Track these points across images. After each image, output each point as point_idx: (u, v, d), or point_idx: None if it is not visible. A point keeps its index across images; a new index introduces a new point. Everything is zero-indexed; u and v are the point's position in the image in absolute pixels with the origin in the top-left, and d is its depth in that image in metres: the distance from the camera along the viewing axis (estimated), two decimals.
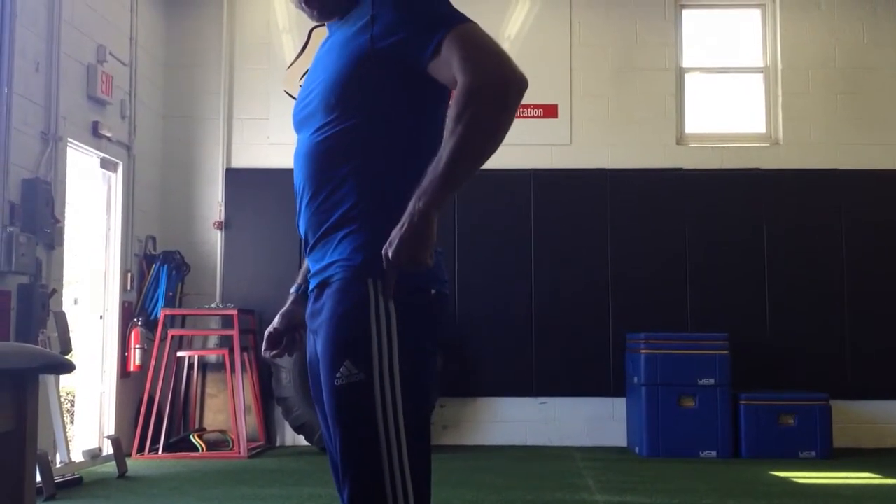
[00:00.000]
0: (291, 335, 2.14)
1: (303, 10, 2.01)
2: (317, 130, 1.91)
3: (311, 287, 1.94)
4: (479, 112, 1.71)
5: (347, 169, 1.87)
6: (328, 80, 1.90)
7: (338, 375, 1.77)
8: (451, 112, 1.73)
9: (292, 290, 2.18)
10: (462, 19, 1.80)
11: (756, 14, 8.32)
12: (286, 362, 7.18)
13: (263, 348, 2.15)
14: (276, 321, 2.15)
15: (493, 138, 1.74)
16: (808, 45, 8.09)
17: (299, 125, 2.02)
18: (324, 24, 2.08)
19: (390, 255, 1.72)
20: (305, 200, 1.94)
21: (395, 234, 1.72)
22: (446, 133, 1.73)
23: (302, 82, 7.89)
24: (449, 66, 1.76)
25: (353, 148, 1.87)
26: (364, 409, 1.75)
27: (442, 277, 1.90)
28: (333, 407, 1.80)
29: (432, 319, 1.87)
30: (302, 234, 1.97)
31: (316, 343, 1.90)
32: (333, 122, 1.88)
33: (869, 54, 8.05)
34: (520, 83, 1.76)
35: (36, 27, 6.00)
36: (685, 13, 8.29)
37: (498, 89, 1.73)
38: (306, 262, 2.19)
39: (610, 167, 7.95)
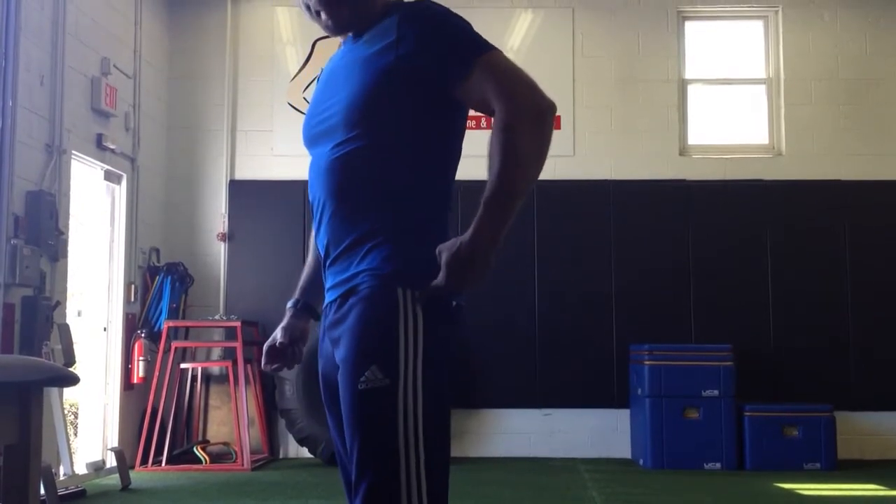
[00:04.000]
0: (292, 349, 2.16)
1: (317, 21, 2.01)
2: (338, 145, 1.92)
3: (329, 298, 1.95)
4: (524, 141, 1.79)
5: (372, 184, 1.89)
6: (351, 97, 1.91)
7: (362, 379, 1.78)
8: (497, 143, 1.79)
9: (289, 304, 2.20)
10: (490, 47, 1.88)
11: (759, 25, 8.33)
12: (290, 374, 7.18)
13: (263, 362, 2.17)
14: (277, 335, 2.17)
15: (540, 163, 1.82)
16: (811, 57, 8.10)
17: (314, 140, 2.02)
18: (334, 37, 2.09)
19: (448, 279, 1.76)
20: (328, 215, 1.94)
21: (452, 257, 1.75)
22: (495, 163, 1.78)
23: (306, 95, 7.89)
24: (481, 93, 1.83)
25: (378, 164, 1.89)
26: (386, 415, 1.77)
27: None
28: (354, 410, 1.80)
29: (454, 330, 1.90)
30: (322, 247, 1.98)
31: (335, 351, 1.90)
32: (355, 138, 1.90)
33: (872, 65, 8.06)
34: (552, 108, 1.84)
35: (40, 40, 6.02)
36: (688, 25, 8.31)
37: (536, 117, 1.81)
38: (304, 277, 2.21)
39: (613, 178, 7.95)
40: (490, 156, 1.79)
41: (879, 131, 7.99)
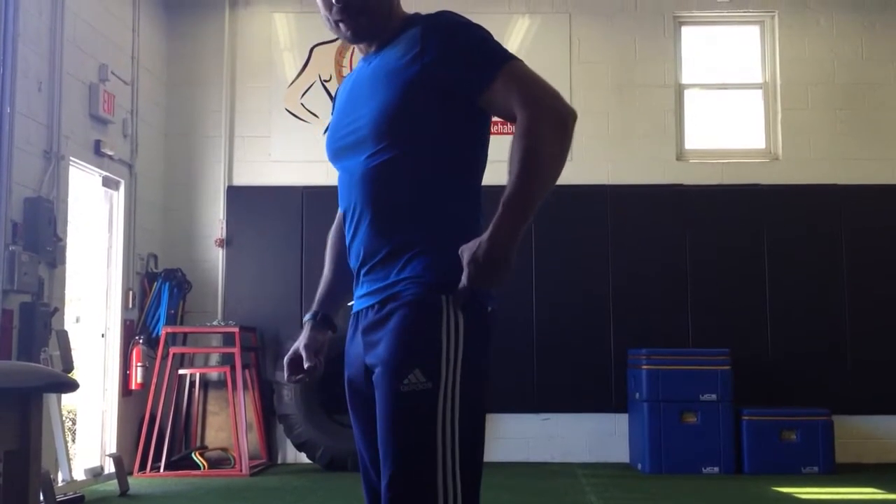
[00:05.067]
0: (313, 360, 2.17)
1: (336, 31, 2.03)
2: (371, 156, 1.95)
3: (364, 304, 1.97)
4: (545, 147, 1.83)
5: (408, 194, 1.92)
6: (379, 109, 1.93)
7: (405, 382, 1.81)
8: (519, 147, 1.82)
9: (308, 317, 2.21)
10: (511, 56, 1.92)
11: (755, 30, 8.36)
12: None
13: (286, 375, 2.18)
14: (299, 347, 2.17)
15: (559, 167, 1.86)
16: (807, 61, 8.12)
17: (340, 153, 2.05)
18: (352, 46, 2.12)
19: (471, 278, 1.79)
20: (365, 224, 1.96)
21: (473, 257, 1.78)
22: (515, 166, 1.82)
23: (304, 101, 7.87)
24: (505, 101, 1.87)
25: (413, 174, 1.93)
26: (425, 417, 1.80)
27: (495, 294, 1.96)
28: (393, 411, 1.83)
29: (489, 335, 1.95)
30: (357, 256, 1.99)
31: (372, 353, 1.91)
32: (387, 148, 1.93)
33: (868, 70, 8.09)
34: (573, 115, 1.89)
35: (38, 47, 6.03)
36: (684, 30, 8.33)
37: (558, 124, 1.86)
38: (322, 289, 2.23)
39: (610, 183, 7.97)
40: (511, 159, 1.83)
41: (876, 135, 8.01)
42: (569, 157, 7.32)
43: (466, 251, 1.79)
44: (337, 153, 2.06)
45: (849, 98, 8.06)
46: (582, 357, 7.73)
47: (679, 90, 8.22)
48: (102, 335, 6.99)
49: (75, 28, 6.48)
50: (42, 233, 5.76)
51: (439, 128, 1.92)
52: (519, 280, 7.77)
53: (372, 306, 1.94)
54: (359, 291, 2.01)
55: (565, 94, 7.88)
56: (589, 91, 8.08)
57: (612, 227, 7.91)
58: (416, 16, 2.04)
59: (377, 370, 1.88)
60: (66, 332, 6.02)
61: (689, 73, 8.31)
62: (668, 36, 8.20)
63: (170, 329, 7.29)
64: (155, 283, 7.48)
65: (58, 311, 5.96)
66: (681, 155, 8.14)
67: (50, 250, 5.86)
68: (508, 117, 1.89)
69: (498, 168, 2.01)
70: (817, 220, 7.89)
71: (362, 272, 1.98)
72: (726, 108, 8.33)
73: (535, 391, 7.73)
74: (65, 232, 6.20)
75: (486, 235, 1.78)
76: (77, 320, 6.89)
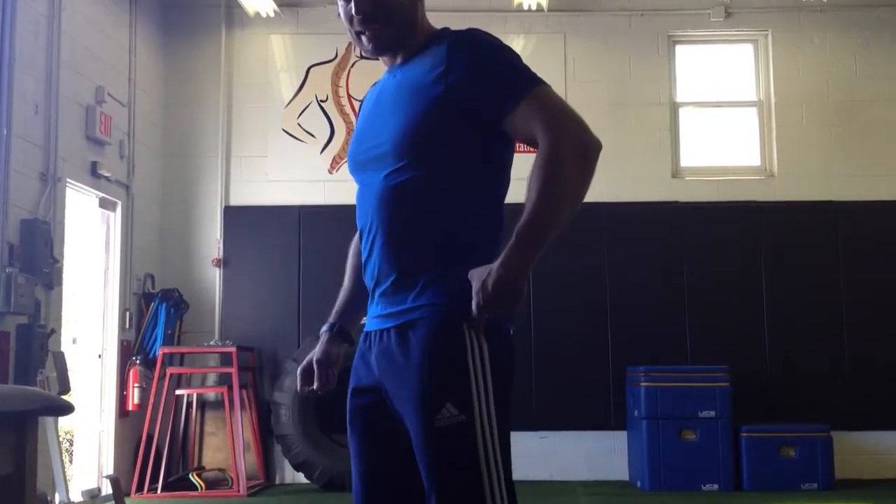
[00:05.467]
0: (326, 373, 2.14)
1: (358, 43, 2.01)
2: (390, 174, 1.91)
3: (379, 326, 1.94)
4: (566, 175, 1.79)
5: (427, 215, 1.89)
6: (401, 126, 1.90)
7: (439, 417, 1.80)
8: (539, 174, 1.79)
9: (325, 329, 2.18)
10: (539, 81, 1.89)
11: (749, 49, 8.40)
12: (285, 399, 7.17)
13: (299, 385, 2.15)
14: (313, 359, 2.14)
15: (579, 198, 1.83)
16: (801, 79, 8.16)
17: (361, 166, 2.02)
18: (374, 59, 2.09)
19: (479, 306, 1.75)
20: (381, 242, 1.93)
21: (483, 285, 1.74)
22: (533, 193, 1.78)
23: (301, 121, 7.87)
24: (529, 126, 1.85)
25: (433, 195, 1.89)
26: (466, 451, 1.80)
27: (513, 317, 1.94)
28: (431, 448, 1.81)
29: (513, 359, 1.95)
30: (373, 274, 1.97)
31: (389, 381, 1.89)
32: (408, 167, 1.90)
33: (862, 87, 8.12)
34: (598, 146, 1.85)
35: (35, 70, 6.06)
36: (678, 48, 8.38)
37: (581, 152, 1.82)
38: (340, 301, 2.21)
39: (606, 200, 7.97)
40: (529, 186, 1.79)
41: (870, 152, 8.04)
42: None
43: (476, 278, 1.75)
44: (357, 166, 2.03)
45: (843, 115, 8.09)
46: (580, 374, 7.72)
47: (674, 108, 8.26)
48: (99, 356, 6.98)
49: (72, 51, 6.51)
50: (39, 254, 5.77)
51: (461, 149, 1.89)
52: None
53: (387, 330, 1.90)
54: (373, 311, 1.98)
55: None
56: (584, 110, 7.92)
57: (609, 244, 7.91)
58: (445, 31, 2.02)
59: (407, 405, 1.85)
60: (62, 354, 6.01)
61: (683, 91, 8.34)
62: (662, 55, 8.24)
63: (167, 349, 7.29)
64: (152, 304, 7.47)
65: (55, 332, 5.96)
66: (676, 172, 8.16)
67: (47, 272, 5.86)
68: (531, 143, 1.86)
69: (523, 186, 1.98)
70: (814, 236, 7.90)
71: (377, 292, 1.95)
72: (721, 126, 8.36)
73: (533, 409, 7.71)
74: (61, 253, 6.21)
75: (497, 263, 1.74)
76: (74, 341, 6.88)
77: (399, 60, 2.02)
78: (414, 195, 1.89)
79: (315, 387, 2.13)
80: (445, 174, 1.89)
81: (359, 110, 2.18)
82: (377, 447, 1.96)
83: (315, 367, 2.13)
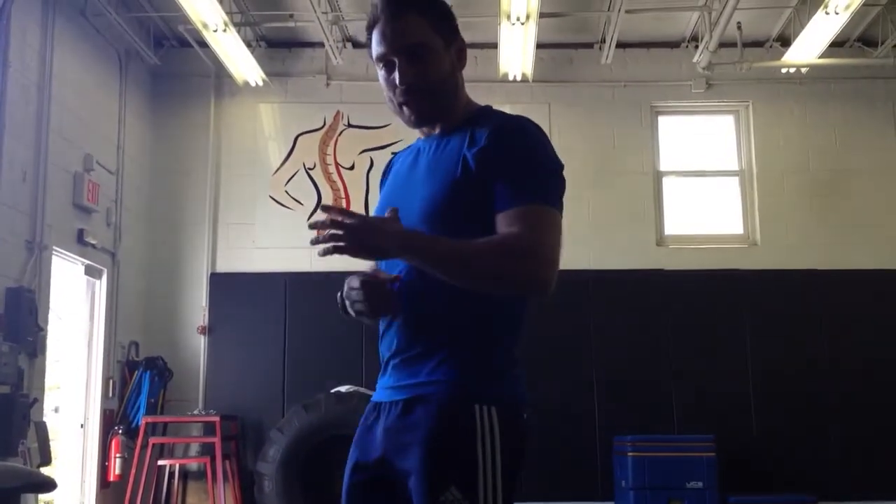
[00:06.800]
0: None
1: (400, 113, 1.99)
2: None
3: (391, 397, 1.91)
4: (509, 270, 1.76)
5: (448, 293, 1.84)
6: (431, 199, 1.89)
7: (442, 499, 1.75)
8: (499, 242, 1.78)
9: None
10: (552, 201, 1.85)
11: (730, 120, 8.55)
12: (268, 470, 7.07)
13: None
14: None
15: (488, 284, 1.79)
16: (782, 149, 8.29)
17: None
18: (415, 129, 2.06)
19: (345, 225, 1.73)
20: (402, 316, 1.90)
21: (378, 222, 1.78)
22: (485, 241, 1.77)
23: (288, 188, 7.86)
24: (509, 225, 1.80)
25: None
26: None
27: (527, 399, 1.90)
28: None
29: (525, 445, 1.88)
30: (390, 347, 1.93)
31: (398, 456, 1.86)
32: None
33: (841, 158, 8.26)
34: (545, 286, 1.79)
35: (24, 138, 6.09)
36: (661, 119, 8.51)
37: (535, 274, 1.78)
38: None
39: (591, 268, 8.02)
40: (490, 238, 1.78)
41: (850, 222, 8.13)
42: None
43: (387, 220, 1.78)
44: None
45: (823, 185, 8.21)
46: (567, 444, 7.66)
47: (657, 177, 8.36)
48: (81, 425, 6.89)
49: (61, 119, 6.56)
50: (23, 322, 5.73)
51: (485, 230, 1.84)
52: None
53: (396, 403, 1.88)
54: (384, 381, 1.95)
55: None
56: (568, 178, 8.03)
57: (594, 311, 7.93)
58: (488, 109, 2.01)
59: (411, 479, 1.82)
60: (44, 424, 5.94)
61: (666, 161, 8.45)
62: (645, 125, 8.37)
63: (150, 419, 7.20)
64: (136, 372, 7.41)
65: (37, 401, 5.89)
66: (661, 240, 8.23)
67: (31, 340, 5.82)
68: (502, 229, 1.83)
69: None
70: (797, 304, 7.94)
71: (392, 363, 1.93)
72: (704, 195, 8.45)
73: (519, 478, 7.61)
74: (46, 321, 6.17)
75: (406, 229, 1.78)
76: (56, 410, 6.80)
77: (437, 131, 2.01)
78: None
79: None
80: None
81: (387, 175, 2.17)
82: None
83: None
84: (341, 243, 1.74)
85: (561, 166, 1.92)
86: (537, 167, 1.87)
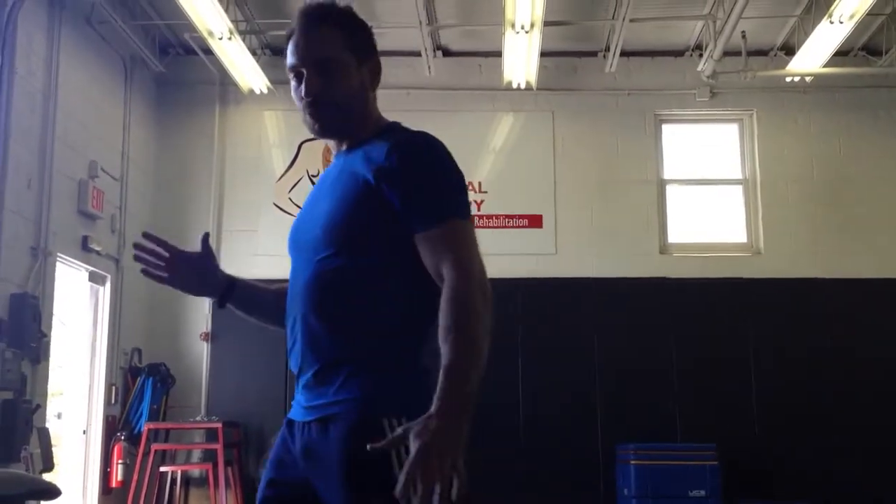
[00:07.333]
0: (178, 263, 2.24)
1: (306, 121, 2.03)
2: (319, 259, 1.92)
3: (303, 417, 1.92)
4: (481, 317, 1.76)
5: (350, 304, 1.87)
6: (331, 213, 1.92)
7: None
8: (453, 312, 1.75)
9: (224, 276, 2.27)
10: (463, 214, 1.87)
11: (734, 128, 8.55)
12: None
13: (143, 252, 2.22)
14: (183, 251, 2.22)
15: (487, 337, 1.78)
16: (786, 158, 8.29)
17: (297, 249, 2.03)
18: (322, 140, 2.12)
19: (419, 472, 1.62)
20: (305, 331, 1.92)
21: (426, 443, 1.63)
22: (451, 326, 1.74)
23: (292, 196, 7.89)
24: (436, 255, 1.82)
25: (356, 283, 1.88)
26: None
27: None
28: None
29: None
30: (296, 363, 1.95)
31: (314, 475, 1.87)
32: (334, 256, 1.90)
33: (845, 166, 8.26)
34: (491, 293, 1.82)
35: (29, 145, 6.11)
36: (665, 127, 8.52)
37: (486, 296, 1.79)
38: (254, 283, 2.26)
39: (595, 276, 8.02)
40: (445, 325, 1.75)
41: (854, 230, 8.12)
42: (553, 251, 7.38)
43: (415, 437, 1.63)
44: (293, 245, 2.05)
45: (827, 194, 8.20)
46: (569, 452, 7.64)
47: (661, 185, 8.36)
48: (84, 431, 6.89)
49: (66, 126, 6.57)
50: (27, 329, 5.74)
51: (388, 242, 1.87)
52: (504, 374, 7.74)
53: (309, 424, 1.89)
54: (297, 399, 1.96)
55: (550, 188, 8.01)
56: (572, 186, 8.20)
57: (598, 320, 7.92)
58: (395, 126, 2.02)
59: (334, 501, 1.83)
60: (47, 430, 5.94)
61: (670, 169, 8.45)
62: (649, 133, 8.38)
63: (152, 425, 7.20)
64: (138, 378, 7.41)
65: (40, 407, 5.90)
66: (664, 249, 8.23)
67: (34, 346, 5.82)
68: (434, 271, 1.83)
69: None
70: (801, 312, 7.93)
71: (301, 381, 1.94)
72: (708, 203, 8.45)
73: (522, 488, 7.61)
74: (49, 327, 6.17)
75: (433, 410, 1.65)
76: (58, 416, 6.81)
77: (345, 147, 2.04)
78: (339, 284, 1.88)
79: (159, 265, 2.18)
80: (371, 265, 1.88)
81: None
82: None
83: (178, 248, 2.18)
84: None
85: (462, 176, 1.93)
86: (441, 183, 1.88)
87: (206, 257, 2.25)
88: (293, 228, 2.08)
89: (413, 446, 1.63)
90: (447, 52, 8.40)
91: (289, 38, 2.01)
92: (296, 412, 1.95)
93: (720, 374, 7.82)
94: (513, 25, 6.83)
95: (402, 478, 1.60)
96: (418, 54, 7.89)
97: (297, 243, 2.04)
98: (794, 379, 7.80)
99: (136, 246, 2.18)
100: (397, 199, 1.85)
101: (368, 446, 1.66)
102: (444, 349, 1.72)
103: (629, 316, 7.93)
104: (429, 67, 8.01)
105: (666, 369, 7.84)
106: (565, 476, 7.61)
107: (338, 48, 1.97)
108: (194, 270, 2.25)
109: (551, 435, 7.68)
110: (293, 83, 2.02)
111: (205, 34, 6.91)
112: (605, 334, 7.89)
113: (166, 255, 2.19)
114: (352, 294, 1.88)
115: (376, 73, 2.05)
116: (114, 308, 7.23)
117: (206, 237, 2.23)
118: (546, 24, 6.94)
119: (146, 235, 2.20)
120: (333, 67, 1.96)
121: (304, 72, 1.97)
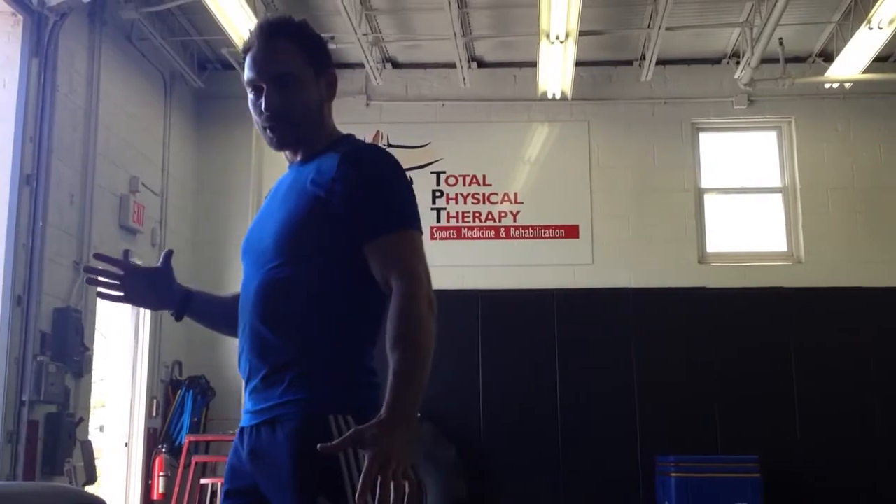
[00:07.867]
0: (129, 279, 2.21)
1: (265, 135, 2.07)
2: (269, 268, 1.95)
3: (249, 422, 1.93)
4: (427, 325, 1.79)
5: (296, 312, 1.91)
6: (281, 224, 1.96)
7: None
8: (401, 321, 1.78)
9: (181, 289, 2.26)
10: (412, 224, 1.91)
11: (772, 136, 8.47)
12: None
13: (94, 271, 2.19)
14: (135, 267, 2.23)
15: (433, 345, 1.80)
16: (826, 165, 8.19)
17: (248, 257, 2.05)
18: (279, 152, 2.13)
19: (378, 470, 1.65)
20: (252, 337, 1.95)
21: (375, 439, 1.66)
22: (402, 343, 1.76)
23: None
24: (384, 265, 1.86)
25: (303, 292, 1.91)
26: None
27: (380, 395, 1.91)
28: None
29: None
30: (245, 369, 1.98)
31: (263, 479, 1.88)
32: (283, 265, 1.93)
33: (887, 174, 8.14)
34: (434, 299, 1.85)
35: (71, 161, 6.20)
36: (702, 136, 8.46)
37: (431, 305, 1.83)
38: (211, 295, 2.27)
39: (632, 286, 7.97)
40: (394, 331, 1.78)
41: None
42: (590, 262, 7.32)
43: (368, 442, 1.66)
44: (244, 254, 2.08)
45: (868, 201, 8.09)
46: (609, 464, 7.59)
47: (699, 194, 8.30)
48: (126, 444, 6.96)
49: (108, 141, 6.67)
50: (70, 343, 5.81)
51: (336, 254, 1.91)
52: (543, 385, 7.71)
53: (257, 427, 1.91)
54: (246, 406, 1.98)
55: (586, 198, 7.96)
56: (609, 195, 8.17)
57: (636, 330, 7.87)
58: (349, 139, 2.06)
59: (282, 502, 1.84)
60: (90, 443, 6.01)
61: (708, 178, 8.39)
62: (686, 142, 8.32)
63: (193, 437, 7.26)
64: (179, 391, 7.47)
65: (83, 420, 5.97)
66: (703, 258, 8.16)
67: (77, 360, 5.90)
68: (382, 280, 1.86)
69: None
70: (843, 322, 7.82)
71: (249, 387, 1.96)
72: (747, 212, 8.37)
73: (560, 499, 7.57)
74: (92, 341, 6.25)
75: (382, 413, 1.69)
76: (101, 429, 6.88)
77: (299, 158, 2.08)
78: (287, 292, 1.91)
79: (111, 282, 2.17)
80: (320, 274, 1.91)
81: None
82: None
83: (132, 262, 2.19)
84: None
85: (411, 187, 1.97)
86: (390, 195, 1.92)
87: (164, 272, 2.26)
88: (246, 237, 2.11)
89: (368, 453, 1.66)
90: (482, 64, 8.41)
91: (246, 51, 2.03)
92: (244, 419, 1.97)
93: (762, 384, 7.73)
94: (548, 36, 6.82)
95: (360, 486, 1.62)
96: (453, 66, 7.91)
97: (249, 252, 2.07)
98: (838, 390, 7.69)
99: (87, 269, 2.21)
100: (347, 211, 1.89)
101: (319, 446, 1.69)
102: (392, 357, 1.76)
103: (667, 326, 7.87)
104: (464, 79, 8.03)
105: (706, 379, 7.76)
106: (605, 488, 7.56)
107: (296, 63, 2.01)
108: (149, 286, 2.25)
109: (590, 446, 7.64)
110: (251, 97, 2.05)
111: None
112: (645, 345, 7.84)
113: (121, 272, 2.19)
114: (299, 302, 1.92)
115: (333, 85, 2.08)
116: (154, 321, 7.30)
117: (168, 254, 2.26)
118: (581, 33, 6.93)
119: (97, 256, 2.22)
120: (291, 82, 2.00)
121: (264, 86, 2.00)
